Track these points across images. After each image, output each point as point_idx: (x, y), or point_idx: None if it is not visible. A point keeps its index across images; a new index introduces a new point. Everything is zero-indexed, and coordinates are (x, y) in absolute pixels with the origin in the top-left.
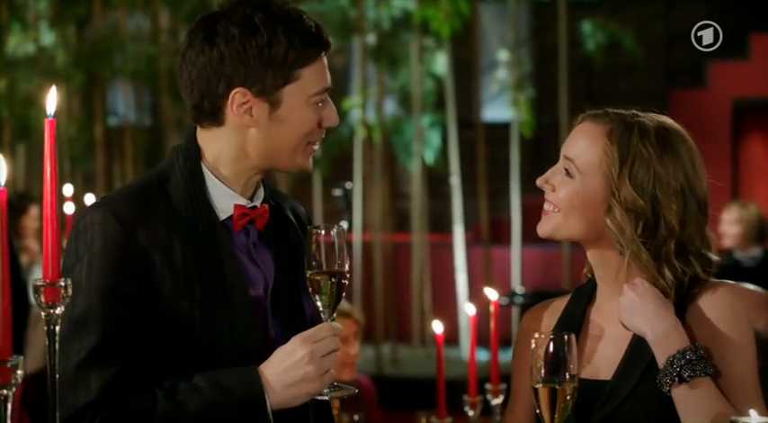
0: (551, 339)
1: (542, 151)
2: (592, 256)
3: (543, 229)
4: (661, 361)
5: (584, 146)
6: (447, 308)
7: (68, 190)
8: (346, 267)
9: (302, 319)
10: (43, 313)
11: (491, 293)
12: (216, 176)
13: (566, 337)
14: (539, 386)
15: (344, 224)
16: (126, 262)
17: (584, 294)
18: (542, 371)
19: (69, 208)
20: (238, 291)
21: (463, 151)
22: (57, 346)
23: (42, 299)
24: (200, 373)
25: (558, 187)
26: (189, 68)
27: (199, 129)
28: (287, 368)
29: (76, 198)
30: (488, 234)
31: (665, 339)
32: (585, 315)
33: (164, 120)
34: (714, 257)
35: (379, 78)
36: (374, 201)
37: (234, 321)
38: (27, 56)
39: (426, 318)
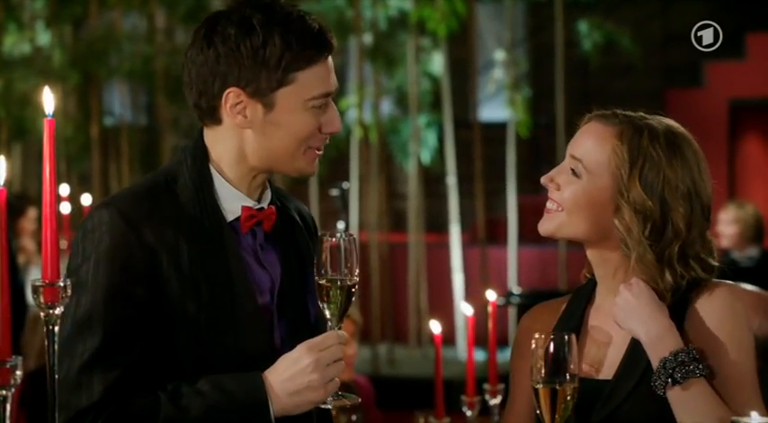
0: (551, 339)
1: (539, 151)
2: (592, 255)
3: (545, 227)
4: (655, 363)
5: (592, 146)
6: (443, 308)
7: (65, 190)
8: (355, 276)
9: (308, 323)
10: (42, 313)
11: (490, 294)
12: (223, 177)
13: (566, 337)
14: (539, 386)
15: (341, 224)
16: (132, 262)
17: (584, 294)
18: (543, 371)
19: (65, 208)
20: (244, 293)
21: (460, 151)
22: (56, 346)
23: (41, 299)
24: (203, 376)
25: (563, 186)
26: (189, 67)
27: (205, 129)
28: (292, 375)
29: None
30: (485, 234)
31: (659, 341)
32: (585, 315)
33: (160, 120)
34: (714, 263)
35: (375, 78)
36: (371, 201)
37: (239, 324)
38: (23, 56)
39: (423, 318)
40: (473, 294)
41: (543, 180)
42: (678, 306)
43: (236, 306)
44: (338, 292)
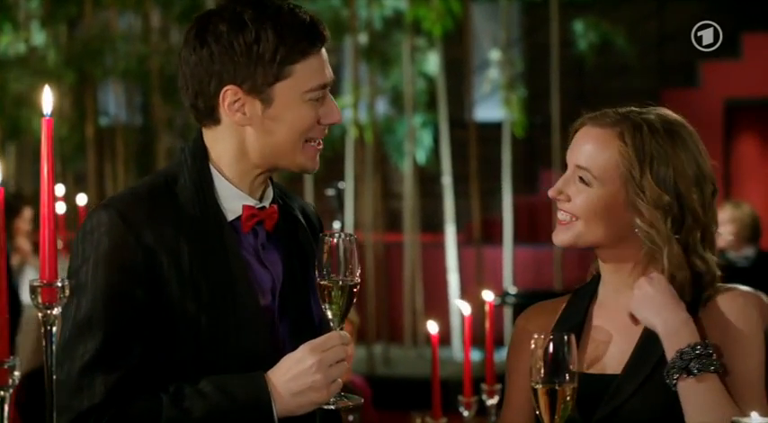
0: (551, 340)
1: (534, 151)
2: (606, 257)
3: (562, 238)
4: (670, 354)
5: (595, 152)
6: (439, 308)
7: (60, 190)
8: (357, 276)
9: (311, 322)
10: (40, 314)
11: (487, 294)
12: (223, 177)
13: (565, 337)
14: (538, 387)
15: (337, 224)
16: (132, 264)
17: (587, 293)
18: (542, 371)
19: (61, 208)
20: (246, 293)
21: (455, 151)
22: (54, 347)
23: (39, 299)
24: (205, 377)
25: (573, 196)
26: (184, 67)
27: (203, 129)
28: (295, 376)
29: (68, 198)
30: (480, 234)
31: (676, 333)
32: (588, 313)
33: (155, 119)
34: (725, 235)
35: (370, 78)
36: (366, 200)
37: (241, 324)
38: (18, 55)
39: (418, 318)
40: (468, 294)
41: (552, 194)
42: (692, 307)
43: (237, 306)
44: (339, 292)
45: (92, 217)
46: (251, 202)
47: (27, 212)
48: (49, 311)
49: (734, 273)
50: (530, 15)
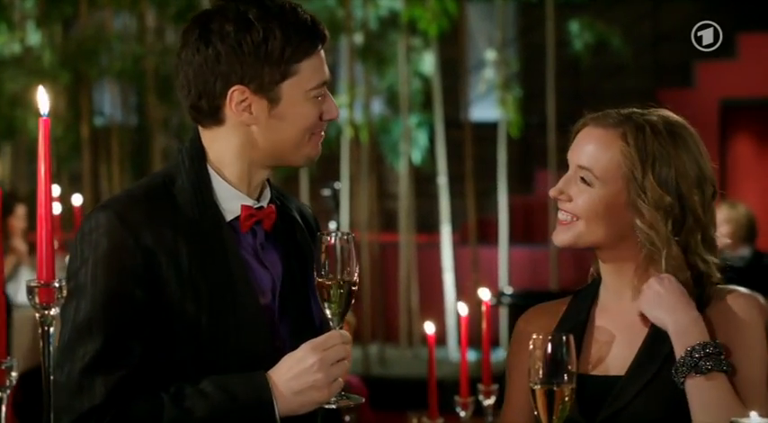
0: (549, 340)
1: (530, 151)
2: (606, 258)
3: (562, 238)
4: (680, 352)
5: (597, 152)
6: (434, 308)
7: (55, 190)
8: (355, 275)
9: (311, 322)
10: (37, 314)
11: (484, 294)
12: (222, 177)
13: (563, 338)
14: (537, 387)
15: (333, 224)
16: (131, 265)
17: (588, 295)
18: (540, 372)
19: (56, 208)
20: (245, 293)
21: (450, 151)
22: (51, 347)
23: (36, 300)
24: (206, 377)
25: (575, 197)
26: (185, 68)
27: (201, 129)
28: (296, 375)
29: (63, 198)
30: (476, 234)
31: (686, 332)
32: (590, 315)
33: (150, 120)
34: (723, 239)
35: (366, 78)
36: (361, 200)
37: (241, 324)
38: (13, 55)
39: (413, 318)
40: (464, 294)
41: (553, 193)
42: (696, 306)
43: (237, 306)
44: (339, 291)
45: (90, 218)
46: (249, 202)
47: (20, 210)
48: (46, 312)
49: (730, 273)
50: (525, 15)
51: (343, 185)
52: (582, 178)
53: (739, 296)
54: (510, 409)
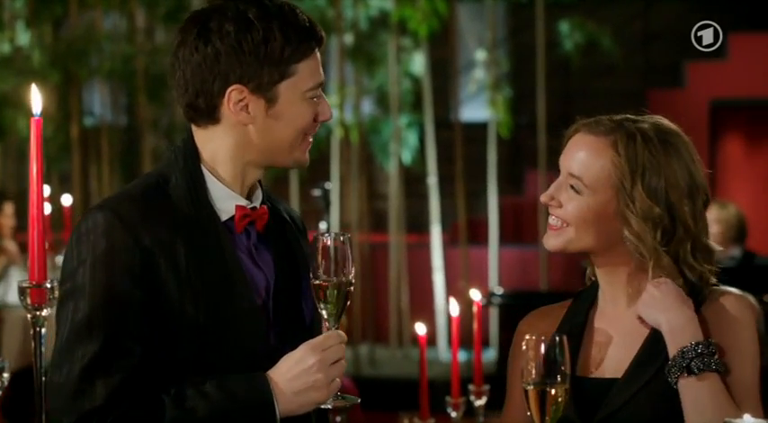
0: (543, 341)
1: (520, 151)
2: (600, 263)
3: (553, 243)
4: (672, 351)
5: (588, 161)
6: (424, 308)
7: (45, 190)
8: (351, 276)
9: (302, 322)
10: (29, 315)
11: (475, 295)
12: (216, 177)
13: (557, 338)
14: (529, 388)
15: (324, 225)
16: (131, 265)
17: (587, 298)
18: (533, 373)
19: (46, 208)
20: (243, 293)
21: (440, 151)
22: (42, 348)
23: (28, 300)
24: (207, 378)
25: (565, 203)
26: (182, 67)
27: (195, 128)
28: (297, 375)
29: (53, 198)
30: (466, 234)
31: (680, 331)
32: (588, 318)
33: (140, 120)
34: (716, 246)
35: (356, 78)
36: (351, 201)
37: (239, 323)
38: (3, 55)
39: (403, 318)
40: (454, 295)
41: (544, 199)
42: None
43: (235, 306)
44: (335, 292)
45: (87, 219)
46: (243, 202)
47: (8, 208)
48: (38, 313)
49: (720, 273)
50: (515, 16)
51: (333, 186)
52: (572, 185)
53: (731, 297)
54: (511, 410)
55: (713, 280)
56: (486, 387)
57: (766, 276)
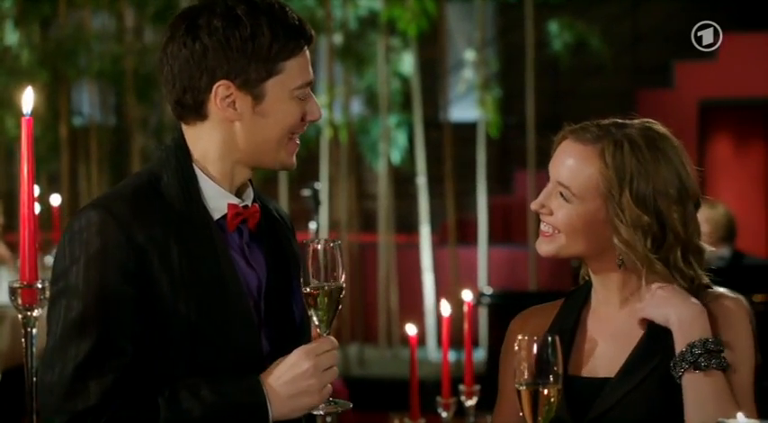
0: (535, 341)
1: (509, 151)
2: (594, 268)
3: (545, 249)
4: (680, 346)
5: (575, 170)
6: (414, 308)
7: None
8: (342, 281)
9: (292, 322)
10: (20, 315)
11: (466, 295)
12: (207, 175)
13: (549, 338)
14: (522, 388)
15: (313, 225)
16: (124, 263)
17: (579, 298)
18: (526, 373)
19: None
20: (236, 292)
21: (430, 151)
22: (33, 348)
23: (19, 301)
24: (201, 380)
25: (555, 211)
26: (170, 62)
27: (184, 126)
28: (291, 379)
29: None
30: (455, 234)
31: (689, 325)
32: (581, 317)
33: (129, 119)
34: (707, 247)
35: (345, 78)
36: (340, 201)
37: (232, 323)
38: None
39: (393, 318)
40: (444, 295)
41: (534, 207)
42: None
43: (228, 305)
44: (325, 299)
45: (80, 217)
46: (235, 200)
47: None
48: (29, 313)
49: (709, 273)
50: (504, 16)
51: (322, 186)
52: (561, 193)
53: (726, 299)
54: (502, 409)
55: (706, 281)
56: (477, 387)
57: (755, 276)
